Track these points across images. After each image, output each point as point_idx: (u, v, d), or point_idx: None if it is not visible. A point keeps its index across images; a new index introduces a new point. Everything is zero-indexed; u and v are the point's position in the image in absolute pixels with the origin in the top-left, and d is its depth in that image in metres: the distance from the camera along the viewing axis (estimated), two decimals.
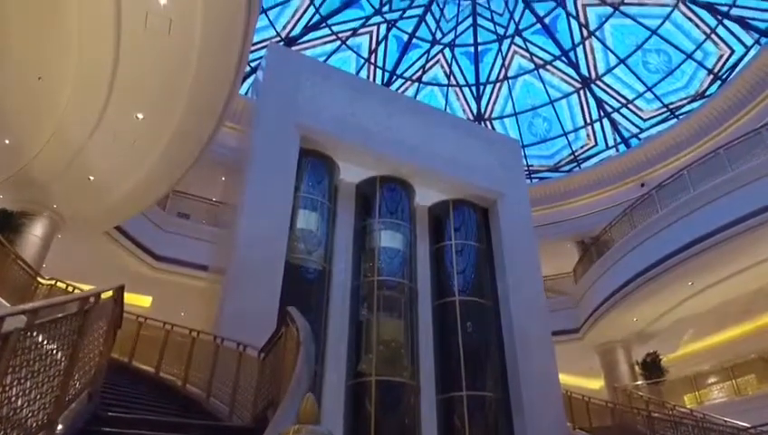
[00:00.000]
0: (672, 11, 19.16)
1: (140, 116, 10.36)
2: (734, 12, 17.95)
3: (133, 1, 8.19)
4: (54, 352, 3.50)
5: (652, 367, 16.76)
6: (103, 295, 4.67)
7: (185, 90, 10.08)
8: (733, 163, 14.68)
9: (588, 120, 22.64)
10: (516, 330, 14.30)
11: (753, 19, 17.69)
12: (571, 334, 18.49)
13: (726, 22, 18.23)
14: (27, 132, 10.52)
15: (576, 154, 23.13)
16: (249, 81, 19.67)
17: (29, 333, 3.01)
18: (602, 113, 22.17)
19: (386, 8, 21.23)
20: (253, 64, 19.61)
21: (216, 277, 13.17)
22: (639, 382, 16.91)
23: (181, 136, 11.07)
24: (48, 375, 3.39)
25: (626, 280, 15.83)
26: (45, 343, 3.30)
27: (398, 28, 21.88)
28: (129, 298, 14.37)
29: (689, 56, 19.62)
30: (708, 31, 18.78)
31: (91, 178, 11.78)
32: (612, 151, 22.32)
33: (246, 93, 18.86)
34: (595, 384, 19.45)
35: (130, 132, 10.71)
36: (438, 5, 21.59)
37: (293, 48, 19.75)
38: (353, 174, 15.68)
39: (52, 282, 11.37)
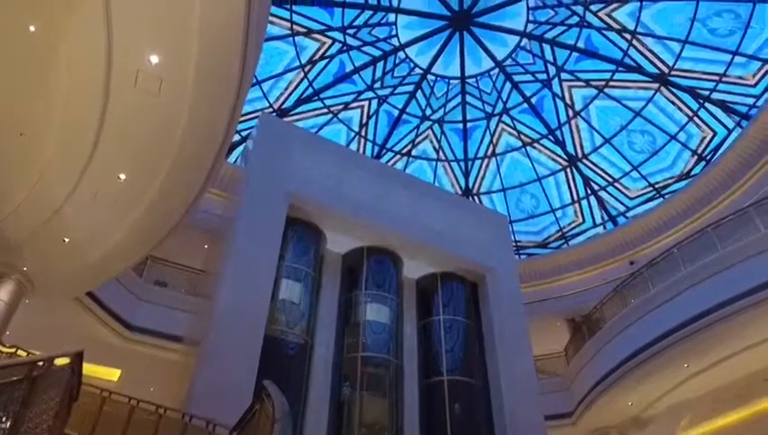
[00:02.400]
0: (654, 94, 19.82)
1: (123, 176, 10.04)
2: (715, 96, 18.59)
3: (124, 59, 8.09)
4: None
5: None
6: (58, 362, 4.12)
7: (171, 152, 9.84)
8: (722, 242, 14.68)
9: (575, 198, 22.83)
10: (507, 413, 13.53)
11: (734, 103, 18.29)
12: (562, 419, 17.56)
13: (708, 105, 18.82)
14: (2, 190, 10.13)
15: (564, 231, 23.13)
16: (238, 150, 19.71)
17: None
18: (589, 191, 22.39)
19: (378, 84, 21.81)
20: (243, 134, 19.74)
21: (191, 349, 12.44)
22: None
23: (164, 198, 10.72)
24: None
25: (619, 362, 15.24)
26: None
27: (389, 103, 22.38)
28: (97, 371, 13.57)
29: (673, 137, 20.13)
30: (691, 113, 19.37)
31: (67, 239, 11.28)
32: (600, 229, 22.36)
33: (235, 162, 18.82)
34: None
35: (112, 193, 10.35)
36: (429, 83, 22.23)
37: (285, 119, 19.97)
38: (340, 244, 15.39)
39: (13, 350, 10.57)
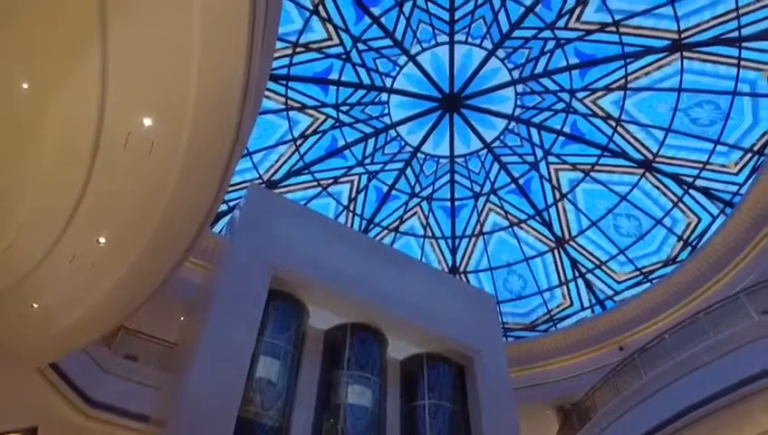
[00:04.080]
0: (640, 179, 20.20)
1: (103, 240, 9.65)
2: (699, 183, 18.98)
3: (117, 120, 7.92)
4: None
5: None
6: None
7: (155, 217, 9.53)
8: (714, 328, 14.54)
9: (563, 280, 22.66)
10: None
11: (717, 190, 18.65)
12: None
13: (692, 191, 19.17)
14: None
15: (552, 313, 22.77)
16: (223, 220, 19.45)
17: None
18: (577, 273, 22.26)
19: (368, 160, 22.06)
20: (231, 204, 19.56)
21: (156, 431, 11.52)
22: None
23: (143, 266, 10.28)
24: None
25: None
26: None
27: (379, 179, 22.55)
28: None
29: (659, 222, 20.32)
30: (675, 199, 19.66)
31: (35, 305, 10.67)
32: (588, 312, 22.06)
33: (220, 232, 18.50)
34: None
35: (88, 257, 9.90)
36: (418, 161, 22.53)
37: (274, 191, 19.91)
38: (323, 320, 14.86)
39: None
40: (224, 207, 19.20)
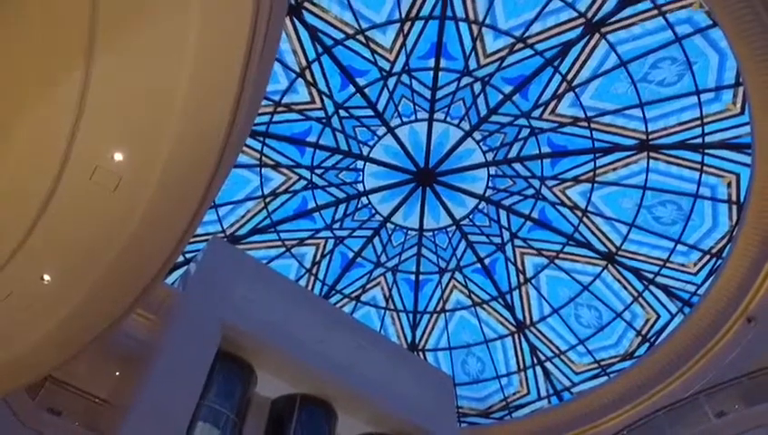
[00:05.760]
0: (602, 271, 20.51)
1: (48, 278, 8.90)
2: (659, 279, 19.39)
3: (86, 149, 7.47)
4: None
5: None
6: None
7: (108, 259, 8.89)
8: (672, 427, 14.58)
9: (521, 366, 22.33)
10: None
11: (676, 288, 19.03)
12: None
13: (652, 287, 19.52)
14: None
15: (508, 401, 22.22)
16: (178, 272, 18.61)
17: None
18: (536, 360, 21.98)
19: (337, 225, 21.83)
20: (188, 256, 18.80)
21: None
22: None
23: (86, 311, 9.48)
24: None
25: None
26: None
27: (345, 245, 22.27)
28: None
29: (618, 315, 20.49)
30: (636, 294, 19.95)
31: None
32: (545, 402, 21.62)
33: (173, 284, 17.64)
34: None
35: (29, 295, 9.07)
36: (387, 231, 22.41)
37: (236, 246, 19.31)
38: (271, 387, 14.10)
39: None
40: (180, 258, 18.41)
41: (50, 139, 7.54)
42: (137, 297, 9.70)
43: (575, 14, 17.12)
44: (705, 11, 14.96)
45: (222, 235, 20.16)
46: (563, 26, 17.56)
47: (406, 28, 18.51)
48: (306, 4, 17.73)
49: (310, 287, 21.91)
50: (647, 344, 19.78)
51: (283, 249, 21.47)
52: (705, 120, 16.73)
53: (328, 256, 22.30)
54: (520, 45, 18.29)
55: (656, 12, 15.98)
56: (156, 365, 11.66)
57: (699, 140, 17.12)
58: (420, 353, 22.94)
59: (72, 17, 6.70)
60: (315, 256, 22.14)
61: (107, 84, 7.24)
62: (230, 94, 7.59)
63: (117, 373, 14.46)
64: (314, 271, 22.16)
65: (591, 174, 19.65)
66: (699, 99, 16.56)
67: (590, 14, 16.94)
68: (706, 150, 17.13)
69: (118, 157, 7.64)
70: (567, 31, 17.59)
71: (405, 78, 19.51)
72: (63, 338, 9.81)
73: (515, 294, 22.17)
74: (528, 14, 17.67)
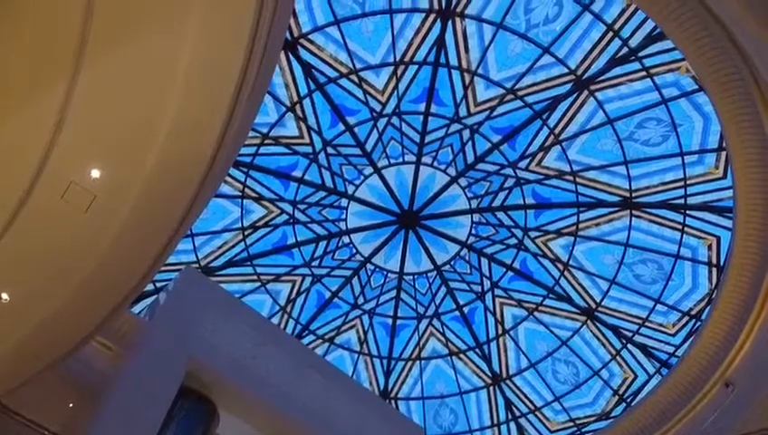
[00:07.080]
0: (581, 326, 20.30)
1: (5, 297, 8.42)
2: (638, 338, 19.24)
3: (62, 164, 7.16)
4: None
5: None
6: None
7: (73, 283, 8.48)
8: None
9: (495, 421, 21.69)
10: None
11: (654, 349, 18.89)
12: None
13: (630, 346, 19.34)
14: None
15: None
16: (146, 301, 17.90)
17: None
18: (510, 416, 21.41)
19: (316, 263, 21.42)
20: (158, 285, 18.15)
21: None
22: None
23: (42, 335, 8.96)
24: None
25: None
26: None
27: (323, 284, 21.79)
28: None
29: (596, 373, 20.20)
30: (614, 352, 19.73)
31: None
32: None
33: (139, 313, 16.92)
34: None
35: None
36: (367, 272, 22.02)
37: (209, 278, 18.72)
38: (233, 429, 13.42)
39: None
40: (150, 287, 17.72)
41: (26, 150, 7.22)
42: (98, 325, 9.25)
43: (566, 71, 17.53)
44: (690, 76, 15.39)
45: (196, 265, 19.58)
46: (554, 81, 17.96)
47: (399, 71, 18.75)
48: (302, 41, 17.86)
49: (283, 326, 21.28)
50: (623, 405, 19.44)
51: (257, 284, 20.92)
52: (687, 182, 17.02)
53: (304, 295, 21.76)
54: (510, 97, 18.61)
55: (644, 73, 16.43)
56: (112, 399, 11.08)
57: (681, 201, 17.34)
58: (392, 402, 22.22)
59: (62, 28, 6.52)
60: (291, 293, 21.60)
61: (91, 99, 7.04)
62: (216, 127, 7.43)
63: (71, 404, 13.63)
64: (288, 309, 21.57)
65: (574, 228, 19.70)
66: (683, 160, 16.89)
67: (579, 71, 17.34)
68: (688, 212, 17.35)
69: (95, 174, 7.36)
70: (557, 86, 17.99)
71: (395, 120, 19.61)
72: (16, 362, 9.23)
73: (493, 345, 21.78)
74: (520, 67, 18.06)
